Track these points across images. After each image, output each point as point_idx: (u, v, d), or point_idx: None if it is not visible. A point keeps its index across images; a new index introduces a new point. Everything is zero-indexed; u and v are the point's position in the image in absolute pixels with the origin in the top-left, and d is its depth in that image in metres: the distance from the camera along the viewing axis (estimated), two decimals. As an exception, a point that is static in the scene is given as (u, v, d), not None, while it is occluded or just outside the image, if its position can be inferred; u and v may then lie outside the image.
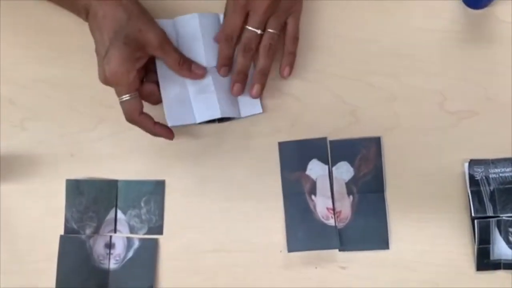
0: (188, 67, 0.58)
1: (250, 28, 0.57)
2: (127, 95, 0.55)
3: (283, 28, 0.59)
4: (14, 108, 0.62)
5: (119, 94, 0.55)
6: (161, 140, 0.58)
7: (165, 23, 0.58)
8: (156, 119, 0.57)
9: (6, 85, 0.62)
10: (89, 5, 0.54)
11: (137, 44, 0.54)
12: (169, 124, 0.58)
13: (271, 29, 0.57)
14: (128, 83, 0.54)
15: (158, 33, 0.55)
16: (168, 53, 0.56)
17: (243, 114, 0.60)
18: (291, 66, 0.59)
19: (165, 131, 0.58)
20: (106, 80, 0.54)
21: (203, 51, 0.59)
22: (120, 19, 0.53)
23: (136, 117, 0.56)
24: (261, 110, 0.60)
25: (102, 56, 0.53)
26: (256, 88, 0.58)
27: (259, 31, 0.57)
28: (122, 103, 0.55)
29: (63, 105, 0.62)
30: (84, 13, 0.55)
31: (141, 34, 0.54)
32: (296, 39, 0.59)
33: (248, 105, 0.60)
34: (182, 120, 0.58)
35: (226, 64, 0.59)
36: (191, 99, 0.59)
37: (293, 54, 0.59)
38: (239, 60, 0.58)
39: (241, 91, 0.59)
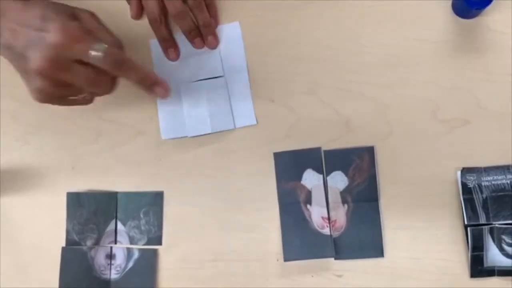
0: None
1: None
2: (96, 45, 0.46)
3: None
4: (16, 123, 0.64)
5: (84, 50, 0.46)
6: (159, 152, 0.60)
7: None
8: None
9: (8, 101, 0.64)
10: (1, 13, 0.47)
11: (71, 14, 0.48)
12: (163, 137, 0.60)
13: None
14: (86, 33, 0.46)
15: (89, 12, 0.50)
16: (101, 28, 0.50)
17: (237, 125, 0.61)
18: (215, 17, 0.62)
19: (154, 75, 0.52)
20: (55, 47, 0.45)
21: (195, 65, 0.61)
22: (43, 3, 0.47)
23: (124, 58, 0.48)
24: (255, 122, 0.61)
25: (35, 38, 0.45)
26: (209, 39, 0.61)
27: None
28: (95, 59, 0.46)
29: (64, 119, 0.63)
30: None
31: (73, 10, 0.49)
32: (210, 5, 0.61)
33: (242, 117, 0.61)
34: (176, 134, 0.60)
35: (168, 46, 0.61)
36: (185, 114, 0.60)
37: (212, 5, 0.61)
38: (180, 25, 0.60)
39: (201, 43, 0.61)
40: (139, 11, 0.63)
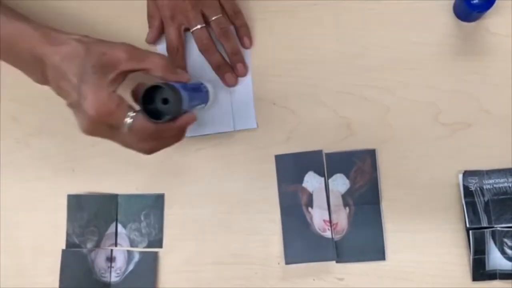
0: (173, 70, 0.53)
1: (193, 29, 0.59)
2: (127, 118, 0.48)
3: (223, 9, 0.61)
4: (17, 125, 0.64)
5: (117, 123, 0.48)
6: (159, 154, 0.59)
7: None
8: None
9: (9, 102, 0.64)
10: (43, 55, 0.49)
11: (106, 67, 0.49)
12: None
13: (212, 17, 0.60)
14: (117, 106, 0.48)
15: (123, 47, 0.50)
16: (144, 59, 0.51)
17: (237, 127, 0.61)
18: (248, 36, 0.62)
19: (189, 116, 0.52)
20: (93, 119, 0.47)
21: (197, 66, 0.61)
22: (79, 53, 0.48)
23: (159, 127, 0.50)
24: (255, 125, 0.61)
25: (76, 100, 0.48)
26: (239, 67, 0.61)
27: (199, 26, 0.59)
28: (132, 126, 0.48)
29: (65, 121, 0.63)
30: (40, 68, 0.49)
31: (106, 56, 0.49)
32: (238, 13, 0.61)
33: (243, 120, 0.61)
34: None
35: None
36: None
37: (244, 26, 0.62)
38: (209, 60, 0.61)
39: (234, 79, 0.61)
40: (156, 38, 0.62)
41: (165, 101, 0.49)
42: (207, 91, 0.59)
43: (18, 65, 0.52)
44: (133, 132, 0.49)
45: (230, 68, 0.61)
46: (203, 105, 0.58)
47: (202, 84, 0.59)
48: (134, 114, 0.48)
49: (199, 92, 0.57)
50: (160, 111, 0.49)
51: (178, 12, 0.59)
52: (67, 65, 0.48)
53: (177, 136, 0.53)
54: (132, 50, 0.51)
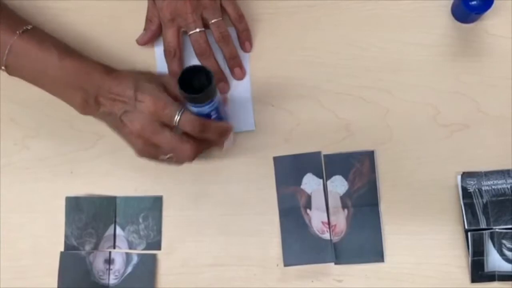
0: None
1: (191, 32, 0.60)
2: (177, 113, 0.52)
3: (223, 12, 0.61)
4: (16, 127, 0.64)
5: (169, 118, 0.53)
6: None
7: None
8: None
9: (8, 104, 0.64)
10: (101, 83, 0.54)
11: (157, 82, 0.54)
12: None
13: (212, 20, 0.60)
14: (170, 102, 0.53)
15: (170, 76, 0.58)
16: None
17: (236, 129, 0.61)
18: (250, 40, 0.62)
19: (230, 124, 0.57)
20: (150, 114, 0.52)
21: None
22: (131, 75, 0.55)
23: (205, 121, 0.54)
24: (253, 128, 0.61)
25: (131, 107, 0.53)
26: (236, 71, 0.62)
27: (198, 30, 0.59)
28: (182, 118, 0.52)
29: (63, 123, 0.63)
30: (93, 95, 0.55)
31: (156, 76, 0.56)
32: (240, 16, 0.62)
33: (241, 122, 0.61)
34: None
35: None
36: None
37: (247, 30, 0.62)
38: (204, 65, 0.60)
39: (227, 88, 0.62)
40: (147, 42, 0.62)
41: (200, 85, 0.51)
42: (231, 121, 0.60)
43: (68, 96, 0.56)
44: (183, 123, 0.52)
45: (224, 77, 0.62)
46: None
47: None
48: (183, 109, 0.53)
49: (224, 109, 0.58)
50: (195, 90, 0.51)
51: (178, 15, 0.59)
52: (126, 84, 0.54)
53: (214, 141, 0.56)
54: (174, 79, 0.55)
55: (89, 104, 0.55)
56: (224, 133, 0.56)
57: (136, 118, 0.53)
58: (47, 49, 0.55)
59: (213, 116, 0.55)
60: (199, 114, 0.54)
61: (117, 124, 0.55)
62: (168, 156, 0.55)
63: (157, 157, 0.56)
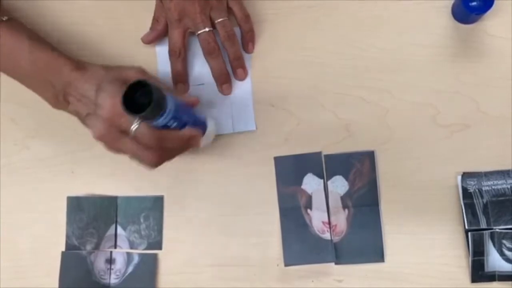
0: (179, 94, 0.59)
1: (199, 32, 0.59)
2: (135, 123, 0.51)
3: (229, 12, 0.61)
4: (16, 127, 0.64)
5: (126, 127, 0.51)
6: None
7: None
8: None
9: (8, 105, 0.64)
10: (70, 80, 0.54)
11: (120, 81, 0.53)
12: None
13: (218, 19, 0.60)
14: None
15: (136, 68, 0.55)
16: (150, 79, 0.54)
17: (236, 129, 0.61)
18: (253, 41, 0.62)
19: (193, 130, 0.54)
20: (107, 121, 0.51)
21: (198, 69, 0.61)
22: (100, 73, 0.54)
23: (162, 134, 0.52)
24: (254, 127, 0.61)
25: (92, 110, 0.52)
26: (239, 72, 0.62)
27: (207, 29, 0.59)
28: (136, 131, 0.51)
29: (64, 123, 0.63)
30: (62, 91, 0.54)
31: (122, 73, 0.54)
32: (246, 17, 0.62)
33: (242, 122, 0.61)
34: None
35: (178, 81, 0.61)
36: None
37: (252, 31, 0.62)
38: (211, 65, 0.61)
39: (230, 89, 0.62)
40: (152, 41, 0.62)
41: (148, 99, 0.48)
42: (205, 120, 0.57)
43: (39, 90, 0.56)
44: (138, 136, 0.51)
45: (229, 78, 0.62)
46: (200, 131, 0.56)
47: (203, 116, 0.58)
48: (139, 121, 0.51)
49: (193, 112, 0.56)
50: (144, 107, 0.48)
51: (185, 15, 0.59)
52: (89, 85, 0.53)
53: (181, 147, 0.55)
54: (143, 71, 0.55)
55: (59, 100, 0.55)
56: (186, 141, 0.54)
57: (97, 123, 0.52)
58: (19, 41, 0.54)
59: (173, 125, 0.52)
60: (157, 126, 0.51)
61: (85, 124, 0.54)
62: (133, 159, 0.54)
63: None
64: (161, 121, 0.50)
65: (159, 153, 0.53)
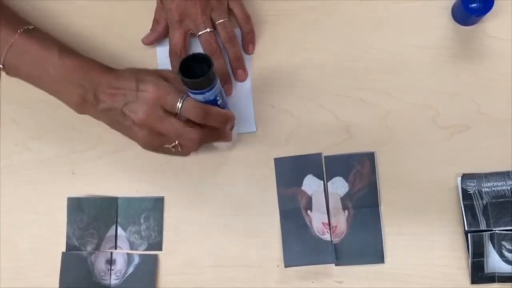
0: None
1: (200, 32, 0.60)
2: (180, 100, 0.52)
3: (230, 13, 0.61)
4: (17, 128, 0.64)
5: (172, 105, 0.52)
6: (159, 158, 0.59)
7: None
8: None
9: (9, 106, 0.64)
10: (100, 79, 0.55)
11: (158, 73, 0.55)
12: None
13: (219, 20, 0.60)
14: (172, 90, 0.53)
15: (166, 70, 0.57)
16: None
17: (237, 130, 0.61)
18: (254, 43, 0.63)
19: (232, 112, 0.56)
20: (153, 101, 0.52)
21: None
22: (133, 71, 0.55)
23: (207, 107, 0.53)
24: (254, 129, 0.62)
25: (133, 97, 0.53)
26: (239, 73, 0.62)
27: (208, 30, 0.60)
28: (184, 104, 0.52)
29: (65, 124, 0.63)
30: (92, 91, 0.55)
31: (153, 70, 0.56)
32: (247, 18, 0.62)
33: (242, 123, 0.61)
34: None
35: None
36: None
37: (252, 32, 0.62)
38: (216, 65, 0.60)
39: (231, 89, 0.62)
40: (152, 43, 0.63)
41: (201, 73, 0.50)
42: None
43: (66, 93, 0.56)
44: (185, 109, 0.52)
45: (230, 79, 0.62)
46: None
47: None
48: (185, 96, 0.52)
49: (227, 100, 0.58)
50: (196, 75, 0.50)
51: (186, 16, 0.59)
52: (123, 79, 0.54)
53: (220, 128, 0.56)
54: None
55: (87, 102, 0.55)
56: (227, 120, 0.55)
57: (139, 107, 0.52)
58: (47, 47, 0.55)
59: (219, 102, 0.54)
60: (203, 102, 0.53)
61: (118, 118, 0.54)
62: (173, 144, 0.54)
63: (162, 147, 0.55)
64: (210, 94, 0.52)
65: (201, 131, 0.54)
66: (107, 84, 0.54)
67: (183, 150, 0.56)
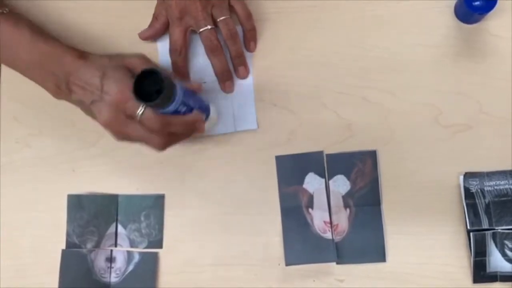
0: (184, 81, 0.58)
1: (201, 29, 0.59)
2: (140, 107, 0.52)
3: (231, 10, 0.61)
4: (18, 125, 0.64)
5: (132, 111, 0.52)
6: (160, 155, 0.59)
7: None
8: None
9: (10, 103, 0.64)
10: (72, 69, 0.54)
11: (125, 68, 0.54)
12: None
13: (220, 17, 0.60)
14: (134, 98, 0.50)
15: (139, 55, 0.55)
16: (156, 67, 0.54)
17: (238, 128, 0.61)
18: (255, 40, 0.62)
19: (197, 114, 0.55)
20: (114, 106, 0.52)
21: (200, 67, 0.61)
22: (103, 61, 0.54)
23: (166, 118, 0.52)
24: (256, 126, 0.61)
25: (97, 96, 0.52)
26: (240, 70, 0.62)
27: (209, 27, 0.59)
28: (142, 116, 0.52)
29: (65, 122, 0.63)
30: (65, 80, 0.54)
31: (125, 61, 0.54)
32: (248, 15, 0.62)
33: (244, 121, 0.61)
34: None
35: (179, 79, 0.60)
36: None
37: (253, 30, 0.62)
38: (213, 62, 0.61)
39: (232, 86, 0.61)
40: (149, 38, 0.62)
41: (158, 88, 0.49)
42: (208, 104, 0.58)
43: (41, 80, 0.56)
44: (144, 120, 0.52)
45: (231, 76, 0.62)
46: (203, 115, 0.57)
47: (207, 101, 0.58)
48: (145, 106, 0.52)
49: (198, 98, 0.56)
50: (151, 95, 0.50)
51: (187, 13, 0.59)
52: (93, 73, 0.53)
53: (186, 132, 0.56)
54: (146, 58, 0.55)
55: (61, 90, 0.55)
56: (192, 124, 0.55)
57: (104, 108, 0.52)
58: (20, 32, 0.55)
59: (182, 111, 0.53)
60: (168, 112, 0.52)
61: (89, 113, 0.55)
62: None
63: (135, 142, 0.55)
64: (171, 108, 0.51)
65: (165, 137, 0.54)
66: (77, 75, 0.54)
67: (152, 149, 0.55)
